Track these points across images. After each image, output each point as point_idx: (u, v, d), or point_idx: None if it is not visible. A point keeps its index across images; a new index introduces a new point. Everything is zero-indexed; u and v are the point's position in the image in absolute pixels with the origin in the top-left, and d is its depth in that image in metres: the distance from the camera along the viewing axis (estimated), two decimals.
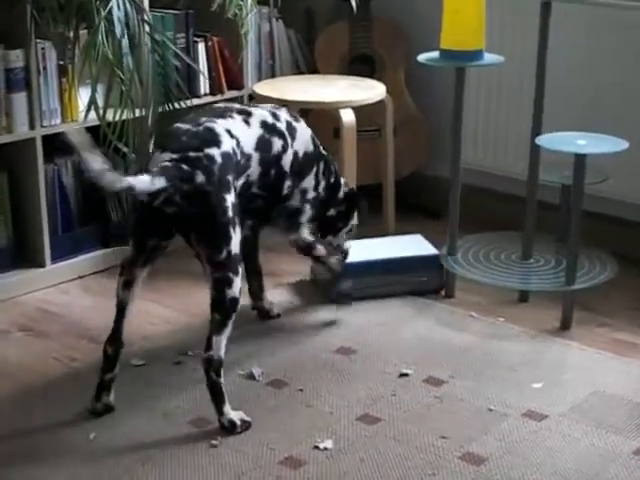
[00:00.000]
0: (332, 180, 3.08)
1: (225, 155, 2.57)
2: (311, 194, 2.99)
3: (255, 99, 3.60)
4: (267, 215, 2.99)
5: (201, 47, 3.70)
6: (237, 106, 2.86)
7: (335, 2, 3.84)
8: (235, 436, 2.55)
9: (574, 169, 3.06)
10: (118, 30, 2.80)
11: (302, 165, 2.93)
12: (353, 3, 3.37)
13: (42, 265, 3.43)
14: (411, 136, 4.00)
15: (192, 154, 2.51)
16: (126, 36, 2.84)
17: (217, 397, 2.57)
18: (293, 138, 2.90)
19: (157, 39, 2.97)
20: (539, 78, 3.27)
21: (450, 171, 3.34)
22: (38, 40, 3.23)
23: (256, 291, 3.20)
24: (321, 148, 3.05)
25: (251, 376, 2.84)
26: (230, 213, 2.54)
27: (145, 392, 2.70)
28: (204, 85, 3.72)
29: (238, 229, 2.58)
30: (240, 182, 2.68)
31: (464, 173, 3.39)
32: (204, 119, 2.64)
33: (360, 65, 3.96)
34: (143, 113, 2.93)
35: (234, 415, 2.58)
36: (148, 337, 3.07)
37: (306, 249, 3.05)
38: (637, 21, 3.48)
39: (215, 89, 3.75)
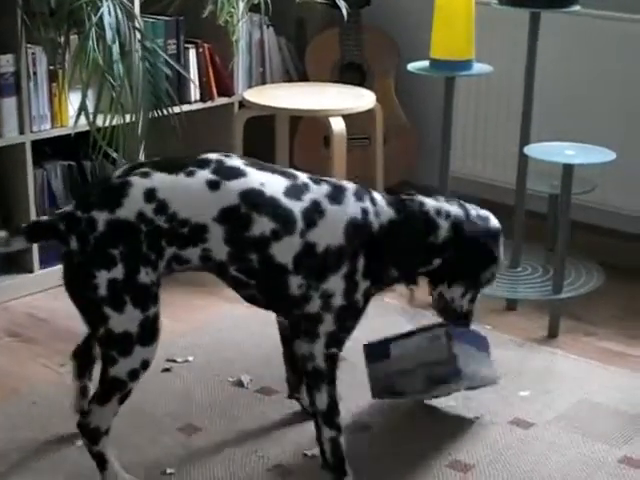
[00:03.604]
0: (414, 227, 2.40)
1: (115, 223, 2.17)
2: (338, 301, 2.30)
3: (245, 106, 3.62)
4: (276, 312, 2.48)
5: (192, 53, 3.71)
6: (231, 164, 2.26)
7: (326, 10, 3.85)
8: (225, 444, 2.55)
9: (562, 179, 3.08)
10: (109, 36, 2.80)
11: (322, 262, 2.28)
12: (344, 11, 3.37)
13: (30, 270, 3.43)
14: (400, 145, 4.01)
15: (78, 213, 2.20)
16: (117, 42, 2.84)
17: (99, 465, 2.34)
18: (310, 225, 2.25)
19: (148, 46, 2.96)
20: (527, 88, 3.29)
21: (439, 180, 3.35)
22: (29, 45, 3.23)
23: (293, 382, 2.70)
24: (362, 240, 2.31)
25: (239, 383, 2.84)
26: (103, 291, 2.17)
27: (133, 400, 2.69)
28: (194, 91, 3.73)
29: (129, 307, 2.19)
30: (185, 252, 2.23)
31: (453, 182, 3.40)
32: (143, 170, 2.24)
33: (350, 73, 3.97)
34: (133, 119, 2.93)
35: None
36: None
37: (310, 376, 2.37)
38: (625, 32, 3.51)
39: (205, 95, 3.76)
